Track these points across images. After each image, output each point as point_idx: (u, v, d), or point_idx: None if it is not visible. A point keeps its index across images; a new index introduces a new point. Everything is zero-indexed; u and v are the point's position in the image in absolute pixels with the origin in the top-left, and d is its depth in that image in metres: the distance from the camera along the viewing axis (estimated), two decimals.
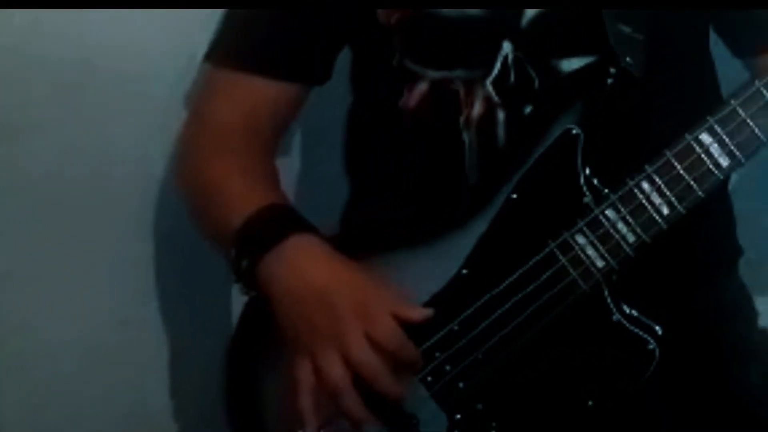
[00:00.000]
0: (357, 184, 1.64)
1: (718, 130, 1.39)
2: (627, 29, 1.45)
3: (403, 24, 1.49)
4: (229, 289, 1.61)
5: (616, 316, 1.43)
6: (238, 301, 1.54)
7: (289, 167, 1.73)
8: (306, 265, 1.43)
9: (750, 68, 1.58)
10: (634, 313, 1.44)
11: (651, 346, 1.43)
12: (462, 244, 1.45)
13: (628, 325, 1.43)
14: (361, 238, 1.53)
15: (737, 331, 1.59)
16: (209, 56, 1.60)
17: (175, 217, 1.67)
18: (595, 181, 1.43)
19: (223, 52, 1.59)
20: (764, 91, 1.39)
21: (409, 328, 1.41)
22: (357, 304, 1.40)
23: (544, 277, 1.43)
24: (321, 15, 1.54)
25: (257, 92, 1.57)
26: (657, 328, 1.44)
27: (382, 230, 1.53)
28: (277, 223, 1.46)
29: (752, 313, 1.62)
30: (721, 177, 1.40)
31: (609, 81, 1.43)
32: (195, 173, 1.58)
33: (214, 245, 1.56)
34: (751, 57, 1.58)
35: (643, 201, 1.41)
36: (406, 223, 1.51)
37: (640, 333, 1.43)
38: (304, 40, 1.56)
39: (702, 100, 1.51)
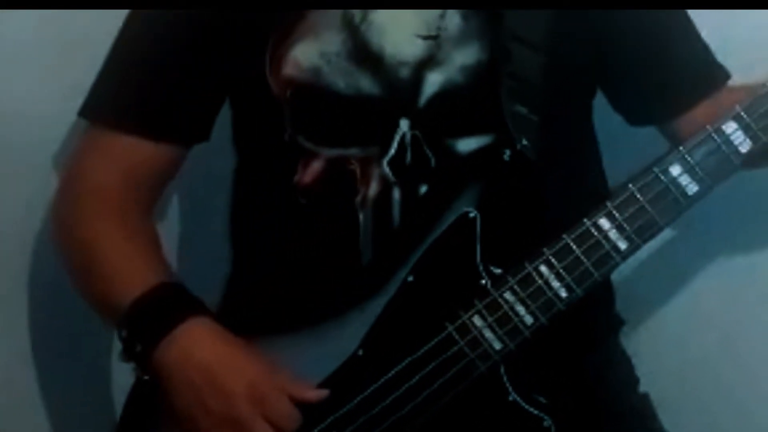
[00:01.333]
0: (241, 256, 1.60)
1: (617, 215, 1.41)
2: (523, 110, 1.45)
3: (296, 99, 1.47)
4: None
5: (512, 396, 1.43)
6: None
7: (167, 231, 1.67)
8: (198, 350, 1.41)
9: (667, 134, 1.61)
10: (529, 391, 1.44)
11: (546, 424, 1.43)
12: (358, 325, 1.43)
13: (523, 404, 1.43)
14: (249, 317, 1.50)
15: (622, 398, 1.60)
16: (85, 112, 1.55)
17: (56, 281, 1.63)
18: (493, 264, 1.42)
19: (99, 110, 1.54)
20: (661, 176, 1.41)
21: (305, 409, 1.39)
22: (251, 387, 1.38)
23: (442, 358, 1.42)
24: (199, 74, 1.51)
25: (134, 151, 1.53)
26: (549, 404, 1.44)
27: (271, 309, 1.50)
28: (170, 307, 1.43)
29: (634, 379, 1.64)
30: (620, 261, 1.42)
31: (505, 163, 1.43)
32: (74, 233, 1.53)
33: (98, 313, 1.53)
34: (666, 122, 1.60)
35: (542, 284, 1.41)
36: (298, 303, 1.48)
37: (535, 411, 1.43)
38: (181, 100, 1.52)
39: (591, 182, 1.55)
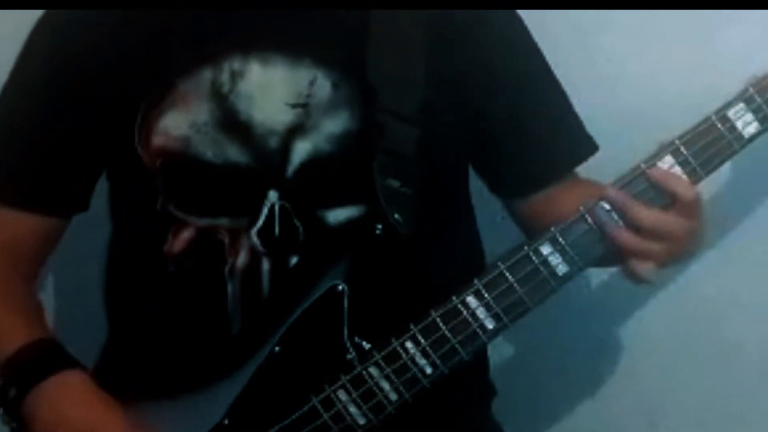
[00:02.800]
0: (115, 324, 1.59)
1: (485, 293, 1.40)
2: (396, 183, 1.44)
3: (166, 169, 1.46)
4: None
5: None
6: None
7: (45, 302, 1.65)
8: (67, 405, 1.43)
9: (515, 214, 1.62)
10: None
11: None
12: (226, 394, 1.42)
13: None
14: (121, 383, 1.48)
15: None
16: None
17: None
18: (360, 338, 1.41)
19: None
20: (532, 256, 1.40)
21: None
22: None
23: (306, 431, 1.41)
24: (73, 146, 1.52)
25: (14, 223, 1.54)
26: None
27: (142, 376, 1.49)
28: (45, 358, 1.45)
29: None
30: (487, 340, 1.41)
31: (376, 237, 1.42)
32: None
33: None
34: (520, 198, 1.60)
35: (407, 361, 1.40)
36: (168, 370, 1.47)
37: None
38: (57, 172, 1.53)
39: (465, 254, 1.54)
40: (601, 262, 1.43)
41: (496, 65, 1.53)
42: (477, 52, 1.52)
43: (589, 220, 1.40)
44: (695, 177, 1.41)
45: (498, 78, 1.53)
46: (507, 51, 1.55)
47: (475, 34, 1.52)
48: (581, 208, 1.41)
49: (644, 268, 1.40)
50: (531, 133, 1.56)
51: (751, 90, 1.41)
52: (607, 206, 1.40)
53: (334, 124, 1.45)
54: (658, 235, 1.39)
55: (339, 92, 1.46)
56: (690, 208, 1.40)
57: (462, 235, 1.58)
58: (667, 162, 1.40)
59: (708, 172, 1.41)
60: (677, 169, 1.40)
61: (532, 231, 1.51)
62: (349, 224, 1.46)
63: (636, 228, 1.39)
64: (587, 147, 1.59)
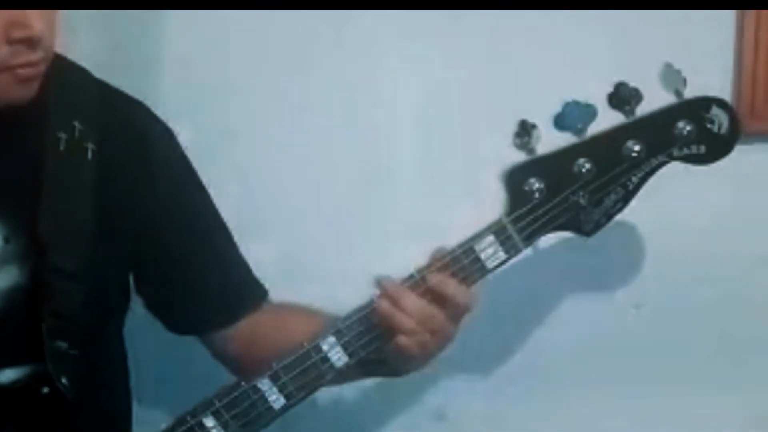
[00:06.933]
0: None
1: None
2: (63, 345, 1.43)
3: None
4: None
5: None
6: None
7: None
8: None
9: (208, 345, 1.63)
10: None
11: None
12: None
13: None
14: None
15: None
16: None
17: None
18: None
19: None
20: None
21: None
22: None
23: None
24: None
25: None
26: None
27: None
28: None
29: None
30: None
31: (43, 398, 1.42)
32: None
33: None
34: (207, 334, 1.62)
35: None
36: None
37: None
38: None
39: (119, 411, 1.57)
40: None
41: (163, 217, 1.54)
42: (144, 205, 1.52)
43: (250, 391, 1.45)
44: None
45: (164, 228, 1.54)
46: (173, 202, 1.56)
47: (143, 188, 1.52)
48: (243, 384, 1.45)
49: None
50: (200, 280, 1.57)
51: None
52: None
53: (3, 280, 1.42)
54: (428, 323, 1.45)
55: (9, 247, 1.42)
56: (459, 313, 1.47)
57: (117, 394, 1.59)
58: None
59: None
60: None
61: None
62: (17, 383, 1.44)
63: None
64: (258, 291, 1.62)
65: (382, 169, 1.83)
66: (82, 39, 1.71)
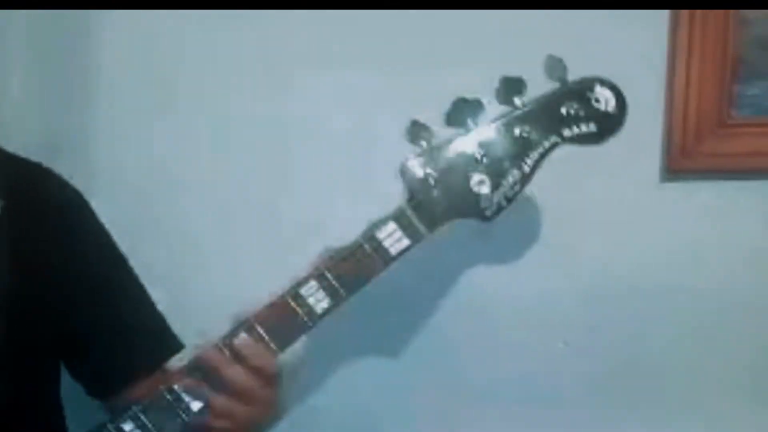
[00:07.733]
0: None
1: None
2: None
3: None
4: None
5: None
6: None
7: None
8: None
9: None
10: None
11: None
12: None
13: None
14: None
15: None
16: None
17: None
18: None
19: None
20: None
21: None
22: None
23: None
24: None
25: None
26: None
27: None
28: None
29: None
30: None
31: None
32: None
33: None
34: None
35: None
36: None
37: None
38: None
39: None
40: None
41: (73, 272, 1.56)
42: (58, 261, 1.54)
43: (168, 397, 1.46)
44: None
45: (76, 283, 1.56)
46: (82, 257, 1.57)
47: (52, 258, 1.54)
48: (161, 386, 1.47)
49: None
50: (112, 335, 1.59)
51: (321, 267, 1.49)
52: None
53: None
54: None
55: None
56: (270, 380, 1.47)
57: None
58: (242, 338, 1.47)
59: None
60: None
61: None
62: None
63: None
64: (174, 344, 1.63)
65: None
66: None
